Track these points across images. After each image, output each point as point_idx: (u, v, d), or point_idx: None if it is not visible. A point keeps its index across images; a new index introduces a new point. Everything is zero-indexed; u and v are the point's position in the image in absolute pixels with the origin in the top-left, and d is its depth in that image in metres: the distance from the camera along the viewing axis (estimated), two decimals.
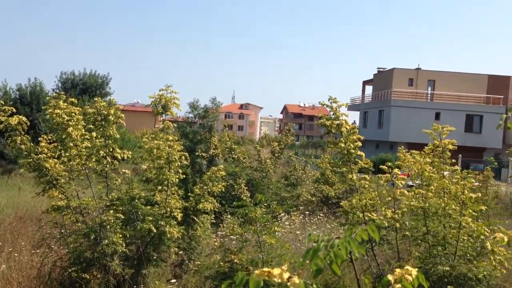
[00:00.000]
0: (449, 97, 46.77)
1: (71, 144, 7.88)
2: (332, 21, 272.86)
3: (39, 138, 8.43)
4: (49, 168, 7.93)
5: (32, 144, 8.16)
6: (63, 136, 7.92)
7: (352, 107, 56.11)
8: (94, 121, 8.22)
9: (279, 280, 1.83)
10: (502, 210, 15.32)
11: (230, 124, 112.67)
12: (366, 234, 2.01)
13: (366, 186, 7.56)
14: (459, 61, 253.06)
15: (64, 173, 8.07)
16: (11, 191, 18.38)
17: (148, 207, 8.00)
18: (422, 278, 1.83)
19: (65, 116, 7.94)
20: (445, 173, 8.71)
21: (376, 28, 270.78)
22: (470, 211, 6.93)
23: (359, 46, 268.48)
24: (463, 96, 46.86)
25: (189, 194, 8.90)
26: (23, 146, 7.95)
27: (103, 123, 8.17)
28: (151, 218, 7.69)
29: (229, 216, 11.94)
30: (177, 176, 8.13)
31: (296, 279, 1.81)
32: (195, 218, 8.69)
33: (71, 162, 7.93)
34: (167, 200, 7.96)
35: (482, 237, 6.71)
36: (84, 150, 7.96)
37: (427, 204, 7.27)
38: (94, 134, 8.04)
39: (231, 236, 8.45)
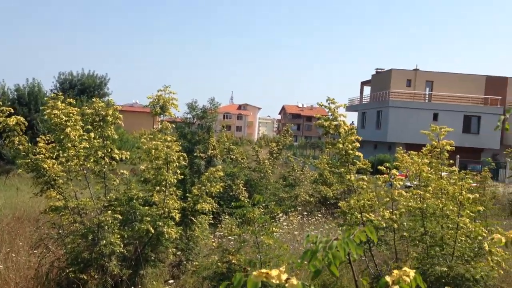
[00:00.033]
0: (447, 98, 46.84)
1: (69, 145, 7.88)
2: (330, 21, 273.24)
3: (37, 139, 8.43)
4: (47, 168, 7.92)
5: (30, 145, 8.15)
6: (61, 137, 7.91)
7: (350, 107, 56.13)
8: (92, 121, 8.22)
9: (277, 282, 1.83)
10: (499, 210, 15.32)
11: (228, 124, 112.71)
12: (364, 236, 2.01)
13: (364, 186, 7.56)
14: (457, 62, 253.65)
15: (62, 173, 8.06)
16: (9, 191, 18.35)
17: (146, 207, 7.99)
18: (419, 280, 1.84)
19: (63, 117, 7.93)
20: (443, 173, 8.73)
21: (374, 29, 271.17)
22: (468, 212, 6.94)
23: (358, 47, 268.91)
24: (461, 97, 46.93)
25: (187, 194, 8.90)
26: (21, 147, 7.94)
27: (101, 123, 8.17)
28: (149, 219, 7.69)
29: (227, 217, 11.94)
30: (175, 177, 8.13)
31: (294, 281, 1.82)
32: (193, 219, 8.69)
33: (69, 163, 7.93)
34: (165, 201, 7.95)
35: (479, 238, 6.73)
36: (82, 150, 7.95)
37: (425, 205, 7.28)
38: (92, 134, 8.04)
39: (229, 237, 8.45)
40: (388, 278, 1.84)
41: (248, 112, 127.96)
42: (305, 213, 14.54)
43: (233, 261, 7.13)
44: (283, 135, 17.87)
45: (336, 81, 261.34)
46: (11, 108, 8.15)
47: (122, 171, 8.46)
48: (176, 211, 7.97)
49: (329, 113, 7.68)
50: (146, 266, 7.93)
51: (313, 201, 15.93)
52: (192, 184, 11.44)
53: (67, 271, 7.55)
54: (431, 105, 46.26)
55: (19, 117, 8.00)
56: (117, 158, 8.20)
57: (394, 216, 7.29)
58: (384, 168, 7.62)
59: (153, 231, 7.62)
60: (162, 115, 9.32)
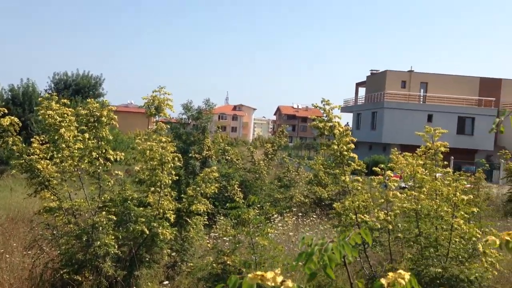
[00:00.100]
0: (441, 99, 47.02)
1: (64, 145, 7.86)
2: (326, 23, 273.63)
3: (31, 139, 8.40)
4: (41, 169, 7.90)
5: (24, 145, 8.13)
6: (56, 137, 7.89)
7: (345, 109, 56.25)
8: (87, 122, 8.20)
9: (273, 284, 1.83)
10: (493, 212, 15.42)
11: (223, 125, 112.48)
12: (359, 238, 2.01)
13: (359, 188, 7.58)
14: (452, 63, 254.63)
15: (56, 174, 8.04)
16: (3, 192, 18.26)
17: (141, 208, 7.98)
18: (414, 282, 1.84)
19: (57, 117, 7.91)
20: (437, 175, 8.75)
21: (369, 31, 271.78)
22: (462, 213, 6.96)
23: (353, 48, 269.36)
24: (455, 98, 47.12)
25: (182, 195, 8.89)
26: (15, 147, 7.92)
27: (96, 124, 8.15)
28: (144, 220, 7.68)
29: (222, 218, 11.93)
30: (170, 178, 8.12)
31: (289, 283, 1.82)
32: (188, 220, 8.68)
33: (63, 163, 7.90)
34: (160, 202, 7.94)
35: (473, 239, 6.75)
36: (76, 151, 7.93)
37: (420, 206, 7.30)
38: (86, 135, 8.02)
39: (224, 238, 8.45)
40: (383, 281, 1.84)
41: (243, 113, 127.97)
42: (300, 214, 14.55)
43: (228, 262, 7.13)
44: (278, 136, 17.87)
45: (331, 82, 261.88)
46: (5, 109, 8.13)
47: (116, 172, 8.44)
48: (171, 212, 7.96)
49: (324, 115, 7.69)
50: (141, 267, 7.92)
51: (308, 202, 15.95)
52: (187, 185, 11.43)
53: (61, 272, 7.53)
54: (426, 106, 46.43)
55: (13, 117, 7.97)
56: (112, 159, 8.18)
57: (389, 217, 7.31)
58: (379, 169, 7.63)
59: (147, 232, 7.61)
60: (157, 116, 9.31)
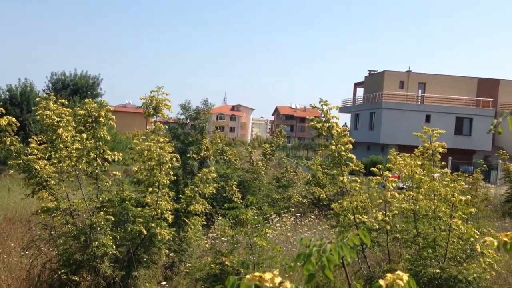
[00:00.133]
0: (439, 99, 47.08)
1: (61, 146, 7.84)
2: (324, 23, 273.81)
3: (29, 139, 8.39)
4: (39, 169, 7.88)
5: (22, 145, 8.11)
6: (53, 137, 7.88)
7: (343, 109, 56.27)
8: (85, 122, 8.18)
9: (271, 285, 1.83)
10: (491, 212, 15.41)
11: (221, 125, 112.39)
12: (358, 239, 2.01)
13: (357, 188, 7.58)
14: (449, 64, 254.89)
15: (54, 174, 8.03)
16: (1, 192, 18.23)
17: (139, 208, 7.96)
18: (413, 283, 1.84)
19: (55, 117, 7.90)
20: (435, 175, 8.76)
21: (367, 31, 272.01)
22: (460, 213, 6.97)
23: (351, 48, 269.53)
24: (453, 98, 47.18)
25: (180, 195, 8.88)
26: (12, 147, 7.90)
27: (94, 125, 8.14)
28: (142, 220, 7.67)
29: (220, 218, 11.91)
30: (168, 178, 8.11)
31: (288, 284, 1.81)
32: (186, 220, 8.67)
33: (61, 164, 7.89)
34: (158, 202, 7.93)
35: (471, 239, 6.75)
36: (74, 151, 7.92)
37: (418, 207, 7.30)
38: (84, 135, 8.01)
39: (222, 238, 8.45)
40: (381, 282, 1.84)
41: (242, 113, 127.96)
42: (298, 214, 14.55)
43: (226, 262, 7.12)
44: (276, 136, 17.88)
45: (329, 82, 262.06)
46: (2, 109, 8.11)
47: (114, 172, 8.43)
48: (169, 212, 7.95)
49: (322, 115, 7.69)
50: (139, 267, 7.91)
51: (306, 203, 15.94)
52: (185, 185, 11.42)
53: (59, 272, 7.51)
54: (424, 106, 46.48)
55: (10, 117, 7.95)
56: (110, 159, 8.17)
57: (387, 218, 7.31)
58: (377, 170, 7.63)
59: (145, 233, 7.60)
60: (155, 116, 9.30)
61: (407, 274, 1.86)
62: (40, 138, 8.34)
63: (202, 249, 8.95)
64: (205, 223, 9.83)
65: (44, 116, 7.86)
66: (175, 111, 16.14)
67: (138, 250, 7.99)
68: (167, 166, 8.07)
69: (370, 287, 6.95)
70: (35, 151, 8.11)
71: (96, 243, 7.32)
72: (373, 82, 51.79)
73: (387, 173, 7.59)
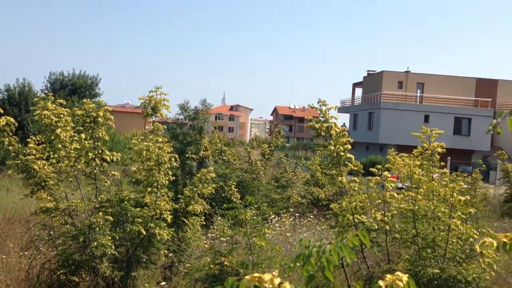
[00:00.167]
0: (438, 100, 47.09)
1: (60, 146, 7.83)
2: (323, 23, 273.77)
3: (28, 139, 8.37)
4: (38, 169, 7.87)
5: (21, 145, 8.09)
6: (52, 138, 7.87)
7: (342, 109, 56.26)
8: (83, 123, 8.17)
9: (270, 286, 1.82)
10: (490, 212, 15.43)
11: (220, 125, 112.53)
12: (357, 240, 2.00)
13: (356, 188, 7.57)
14: (448, 64, 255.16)
15: (52, 174, 8.01)
16: None
17: (138, 209, 7.96)
18: (413, 284, 1.83)
19: (53, 117, 7.89)
20: (434, 175, 8.76)
21: (366, 31, 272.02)
22: (459, 213, 6.96)
23: (349, 48, 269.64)
24: (452, 99, 47.19)
25: (179, 196, 8.87)
26: (11, 147, 7.88)
27: (92, 125, 8.13)
28: (141, 220, 7.65)
29: (219, 218, 11.92)
30: (167, 178, 8.10)
31: (287, 285, 1.81)
32: (185, 220, 8.66)
33: (59, 164, 7.88)
34: (157, 202, 7.92)
35: (471, 239, 6.75)
36: (73, 151, 7.91)
37: (417, 207, 7.30)
38: (83, 135, 8.00)
39: (221, 238, 8.44)
40: (381, 283, 1.83)
41: (240, 113, 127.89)
42: (297, 214, 14.54)
43: (225, 263, 7.12)
44: (275, 136, 17.87)
45: (328, 82, 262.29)
46: (0, 109, 8.10)
47: (113, 172, 8.42)
48: (168, 212, 7.94)
49: (321, 115, 7.68)
50: (138, 267, 7.90)
51: (305, 203, 15.94)
52: (184, 185, 11.41)
53: (58, 273, 7.51)
54: (422, 107, 46.49)
55: (9, 117, 7.94)
56: (108, 160, 8.16)
57: (386, 218, 7.30)
58: (376, 170, 7.63)
59: (144, 233, 7.59)
60: (153, 116, 9.28)
61: (407, 275, 1.86)
62: (38, 138, 8.33)
63: (201, 250, 8.95)
64: (204, 223, 9.81)
65: (43, 116, 7.85)
66: (173, 111, 16.14)
67: (137, 251, 7.98)
68: (166, 166, 8.06)
69: (369, 287, 6.94)
70: (34, 151, 8.10)
71: (95, 243, 7.31)
72: (372, 82, 51.79)
73: (386, 173, 7.58)
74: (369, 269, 7.50)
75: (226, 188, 13.79)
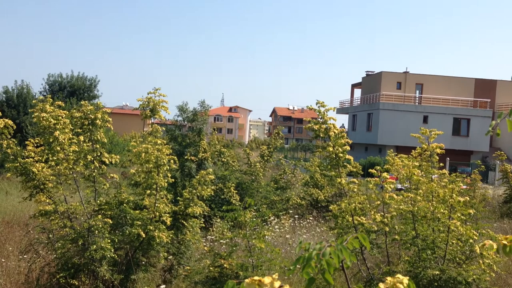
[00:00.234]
0: (436, 100, 47.10)
1: (58, 148, 7.82)
2: (321, 24, 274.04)
3: (26, 142, 8.36)
4: (36, 172, 7.85)
5: (19, 148, 8.07)
6: (50, 140, 7.85)
7: (341, 110, 56.28)
8: (82, 125, 8.16)
9: None
10: (489, 213, 15.42)
11: (219, 127, 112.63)
12: (357, 242, 2.00)
13: (355, 189, 7.57)
14: (447, 64, 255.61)
15: (51, 177, 8.00)
16: None
17: (137, 211, 7.94)
18: (413, 286, 1.83)
19: (51, 120, 7.87)
20: (434, 176, 8.76)
21: (365, 32, 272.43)
22: (459, 214, 6.96)
23: (348, 49, 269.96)
24: (451, 99, 47.21)
25: (178, 198, 8.86)
26: (9, 150, 7.86)
27: (90, 127, 8.11)
28: (140, 223, 7.64)
29: (218, 220, 11.91)
30: (166, 180, 8.09)
31: None
32: (185, 223, 8.64)
33: (58, 166, 7.86)
34: (156, 205, 7.90)
35: (470, 240, 6.75)
36: (71, 154, 7.89)
37: (416, 208, 7.29)
38: (81, 138, 7.98)
39: (221, 241, 8.42)
40: (382, 286, 1.82)
41: (239, 115, 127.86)
42: (297, 216, 14.53)
43: (225, 265, 7.11)
44: (274, 138, 17.87)
45: (327, 83, 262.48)
46: None
47: (112, 174, 8.40)
48: (167, 215, 7.93)
49: (319, 116, 7.68)
50: (138, 270, 7.88)
51: (305, 204, 15.92)
52: (183, 187, 11.41)
53: (58, 276, 7.48)
54: (421, 107, 46.49)
55: (7, 120, 7.92)
56: (107, 162, 8.15)
57: (386, 219, 7.29)
58: (375, 171, 7.62)
59: (144, 235, 7.57)
60: (152, 118, 9.27)
61: (407, 277, 1.85)
62: (37, 141, 8.31)
63: (201, 252, 8.93)
64: (204, 225, 9.80)
65: (41, 119, 7.83)
66: (172, 113, 16.14)
67: (136, 253, 7.96)
68: (165, 168, 8.05)
69: None
70: (32, 153, 8.09)
71: (95, 246, 7.29)
72: (371, 83, 51.81)
73: (385, 174, 7.57)
74: (369, 271, 7.49)
75: (225, 190, 13.77)
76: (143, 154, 7.91)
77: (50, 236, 8.08)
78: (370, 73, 54.03)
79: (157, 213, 7.82)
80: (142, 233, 7.52)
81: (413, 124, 39.81)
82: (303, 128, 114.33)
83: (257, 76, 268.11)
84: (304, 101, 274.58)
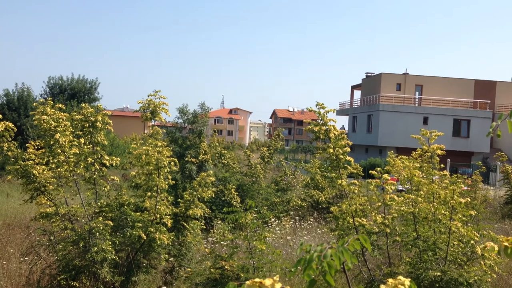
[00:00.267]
0: (436, 101, 47.08)
1: (59, 151, 7.82)
2: (321, 26, 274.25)
3: (27, 144, 8.36)
4: (37, 174, 7.86)
5: (20, 150, 8.08)
6: (51, 142, 7.85)
7: (341, 112, 56.26)
8: (82, 127, 8.16)
9: None
10: (491, 214, 15.41)
11: (219, 129, 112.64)
12: (358, 244, 2.00)
13: (356, 191, 7.56)
14: (446, 66, 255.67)
15: (52, 179, 8.00)
16: None
17: (138, 213, 7.94)
18: None
19: (52, 122, 7.88)
20: (434, 177, 8.75)
21: (364, 34, 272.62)
22: (460, 215, 6.95)
23: (348, 51, 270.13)
24: (451, 100, 47.19)
25: (179, 200, 8.86)
26: (10, 153, 7.86)
27: (91, 129, 8.12)
28: (141, 225, 7.64)
29: (219, 222, 11.91)
30: (167, 182, 8.09)
31: None
32: (185, 224, 8.64)
33: (59, 169, 7.87)
34: (157, 206, 7.91)
35: (472, 241, 6.74)
36: (72, 156, 7.90)
37: (417, 209, 7.28)
38: (82, 140, 7.99)
39: (222, 242, 8.43)
40: (383, 287, 1.82)
41: (239, 117, 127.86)
42: (298, 217, 14.53)
43: (226, 267, 7.11)
44: (274, 139, 17.87)
45: (327, 85, 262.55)
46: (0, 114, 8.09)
47: (112, 176, 8.40)
48: (168, 216, 7.93)
49: (319, 118, 7.68)
50: (139, 272, 7.88)
51: (305, 206, 15.92)
52: (184, 189, 11.40)
53: (59, 278, 7.48)
54: (421, 109, 46.47)
55: (8, 122, 7.92)
56: (108, 164, 8.15)
57: (386, 221, 7.29)
58: (376, 173, 7.62)
59: (145, 237, 7.57)
60: (152, 120, 9.28)
61: (409, 279, 1.85)
62: (37, 143, 8.32)
63: (202, 254, 8.93)
64: (204, 227, 9.81)
65: (42, 121, 7.84)
66: (172, 115, 16.14)
67: (137, 255, 7.96)
68: (166, 171, 8.05)
69: None
70: (33, 156, 8.09)
71: (95, 248, 7.30)
72: (370, 84, 51.82)
73: (385, 175, 7.57)
74: (370, 272, 7.48)
75: (226, 191, 13.78)
76: (144, 156, 7.91)
77: (51, 238, 8.08)
78: (370, 74, 54.05)
79: (158, 215, 7.83)
80: (143, 235, 7.52)
81: (413, 125, 39.77)
82: (303, 130, 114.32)
83: (257, 77, 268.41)
84: (304, 102, 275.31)
